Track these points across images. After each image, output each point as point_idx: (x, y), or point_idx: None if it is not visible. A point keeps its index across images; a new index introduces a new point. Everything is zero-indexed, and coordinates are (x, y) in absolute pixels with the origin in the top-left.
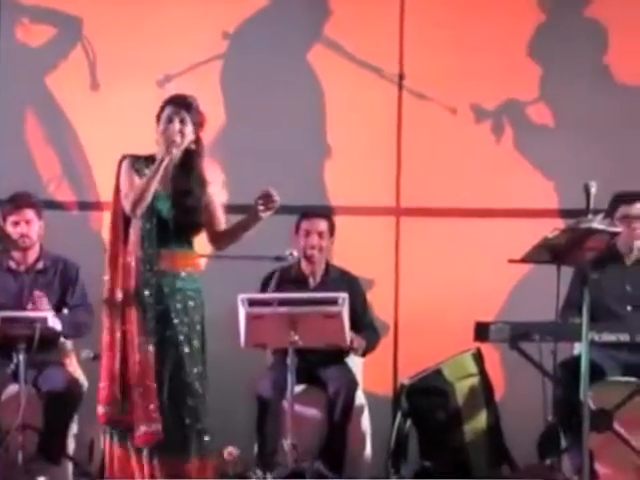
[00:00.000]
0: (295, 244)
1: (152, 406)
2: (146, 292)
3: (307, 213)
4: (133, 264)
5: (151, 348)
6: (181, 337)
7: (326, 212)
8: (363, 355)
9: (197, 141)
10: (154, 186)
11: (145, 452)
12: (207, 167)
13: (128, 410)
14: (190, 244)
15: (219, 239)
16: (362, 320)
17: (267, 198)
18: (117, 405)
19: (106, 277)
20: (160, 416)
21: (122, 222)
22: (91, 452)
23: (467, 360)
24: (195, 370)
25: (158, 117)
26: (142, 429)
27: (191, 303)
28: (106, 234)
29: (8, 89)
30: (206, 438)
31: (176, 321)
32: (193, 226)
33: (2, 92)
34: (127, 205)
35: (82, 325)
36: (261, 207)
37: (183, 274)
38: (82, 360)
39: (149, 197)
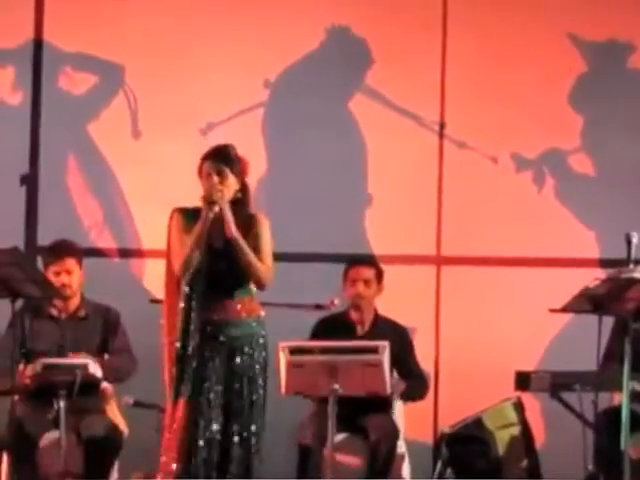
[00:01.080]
0: (344, 293)
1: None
2: (193, 342)
3: (353, 261)
4: (184, 313)
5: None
6: (236, 386)
7: (372, 260)
8: (407, 400)
9: (242, 189)
10: (200, 247)
11: None
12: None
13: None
14: (245, 290)
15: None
16: (409, 370)
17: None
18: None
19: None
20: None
21: (175, 276)
22: None
23: (508, 409)
24: (247, 415)
25: (199, 171)
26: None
27: (246, 349)
28: (147, 281)
29: (50, 136)
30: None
31: (227, 369)
32: (245, 273)
33: (44, 139)
34: (176, 267)
35: (122, 371)
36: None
37: (237, 321)
38: (123, 406)
39: (196, 258)
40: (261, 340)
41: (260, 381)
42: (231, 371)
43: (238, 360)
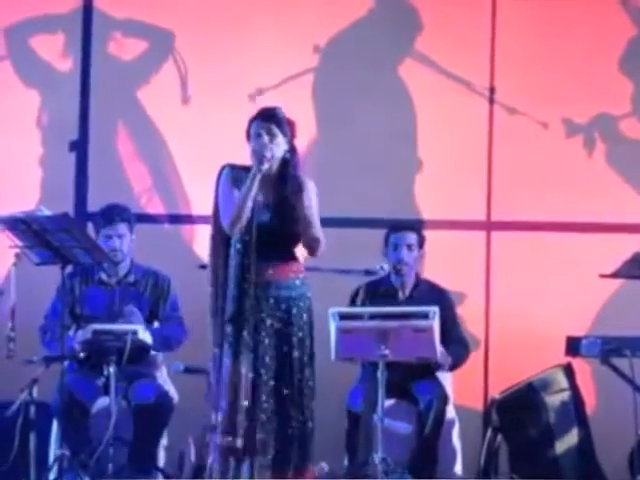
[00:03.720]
0: (385, 257)
1: (234, 420)
2: (246, 304)
3: (395, 226)
4: (233, 275)
5: (244, 368)
6: (285, 348)
7: (415, 225)
8: (451, 370)
9: (291, 150)
10: (250, 202)
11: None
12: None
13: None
14: (291, 252)
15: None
16: (451, 334)
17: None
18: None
19: (210, 290)
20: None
21: (221, 235)
22: (181, 465)
23: (558, 375)
24: (297, 378)
25: (247, 134)
26: (220, 439)
27: (295, 310)
28: (198, 247)
29: (100, 103)
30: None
31: (278, 331)
32: (293, 235)
33: (94, 106)
34: (225, 222)
35: (172, 339)
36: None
37: (286, 282)
38: (172, 373)
39: (247, 213)
40: (307, 301)
41: (308, 342)
42: (281, 333)
43: (287, 321)
